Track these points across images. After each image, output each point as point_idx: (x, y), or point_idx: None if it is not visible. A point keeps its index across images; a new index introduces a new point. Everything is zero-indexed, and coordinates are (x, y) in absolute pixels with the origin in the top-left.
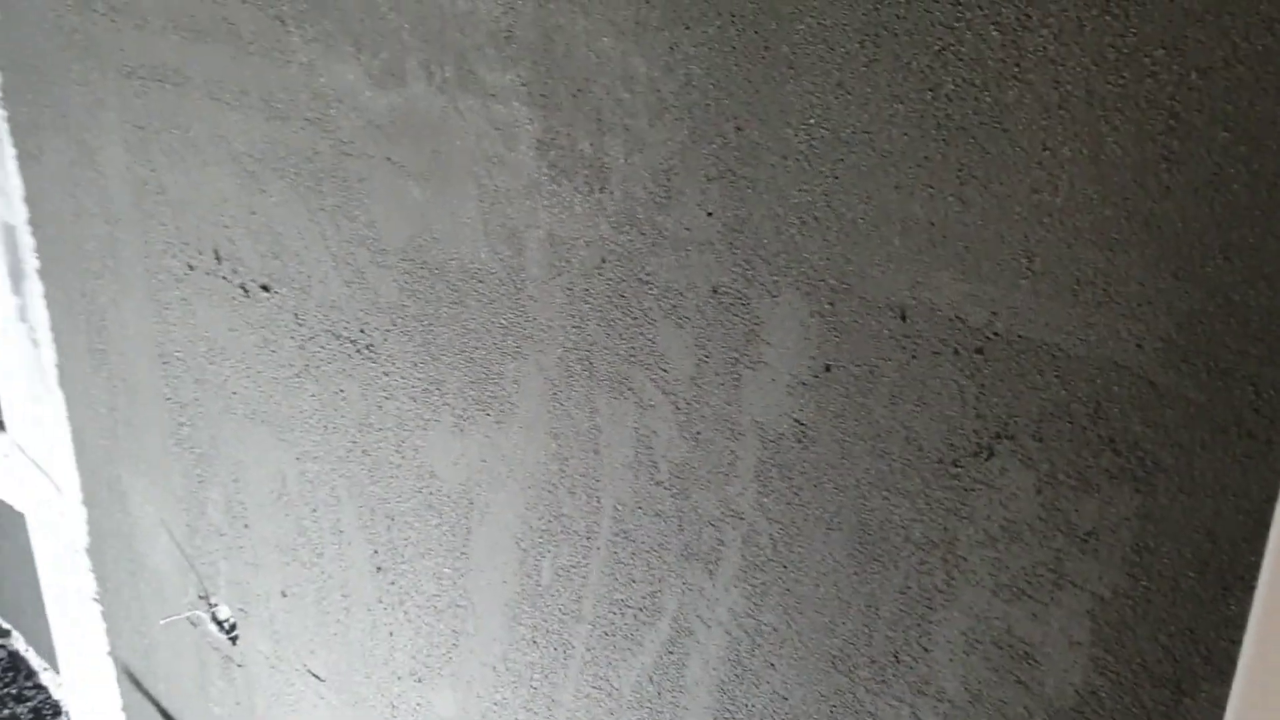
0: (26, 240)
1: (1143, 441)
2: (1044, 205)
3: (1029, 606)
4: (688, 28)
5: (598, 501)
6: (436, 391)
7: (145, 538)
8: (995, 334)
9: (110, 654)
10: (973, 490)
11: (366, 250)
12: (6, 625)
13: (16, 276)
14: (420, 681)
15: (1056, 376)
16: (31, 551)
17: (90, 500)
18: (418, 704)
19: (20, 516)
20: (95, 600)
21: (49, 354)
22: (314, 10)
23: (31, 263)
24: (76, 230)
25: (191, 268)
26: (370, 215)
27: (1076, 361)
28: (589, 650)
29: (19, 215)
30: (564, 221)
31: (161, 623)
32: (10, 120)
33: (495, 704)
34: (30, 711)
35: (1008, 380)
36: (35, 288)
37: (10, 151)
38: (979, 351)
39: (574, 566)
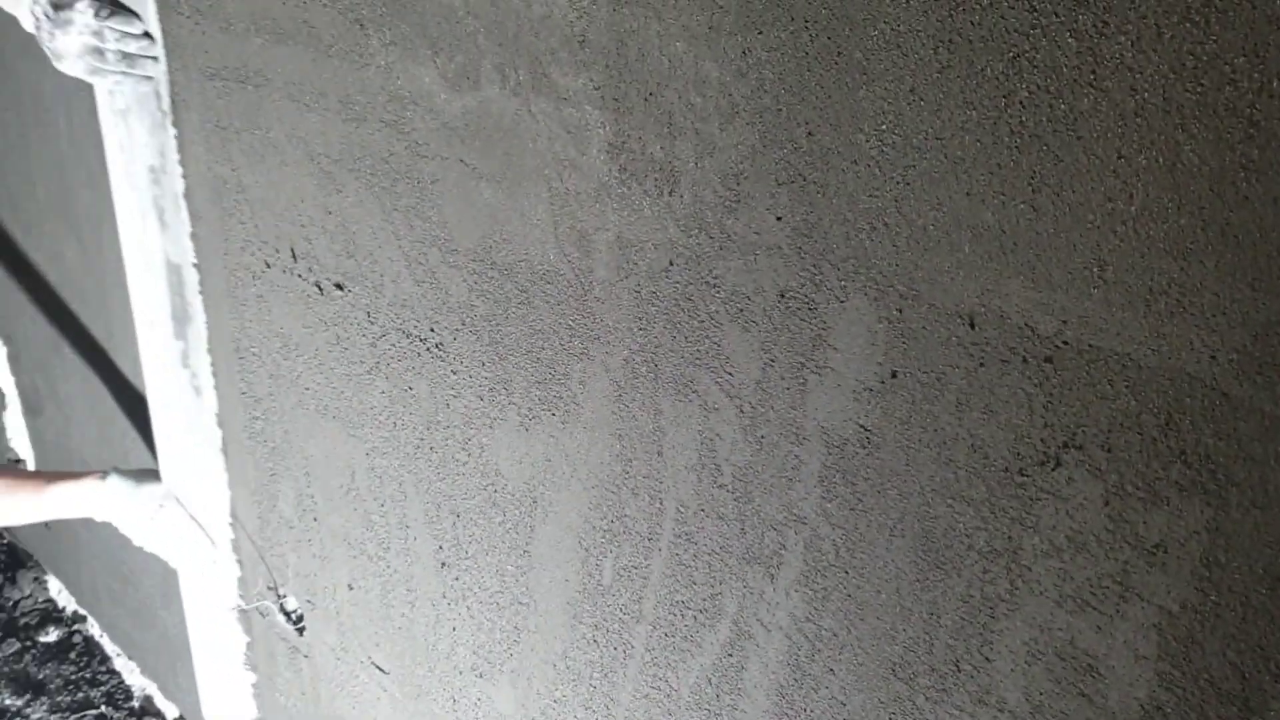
0: (192, 279)
1: (1214, 454)
2: (1118, 214)
3: (1094, 618)
4: (760, 32)
5: (660, 503)
6: (503, 391)
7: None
8: (1065, 343)
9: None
10: (1039, 500)
11: (438, 250)
12: (83, 611)
13: (181, 320)
14: (481, 677)
15: (1127, 387)
16: (113, 542)
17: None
18: (478, 699)
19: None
20: (247, 668)
21: (210, 401)
22: (392, 14)
23: (198, 304)
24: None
25: (268, 265)
26: (442, 216)
27: (1148, 372)
28: (649, 650)
29: (187, 255)
30: (633, 224)
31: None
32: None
33: (554, 701)
34: (104, 696)
35: (1077, 390)
36: (200, 331)
37: (179, 186)
38: (1048, 360)
39: (635, 567)
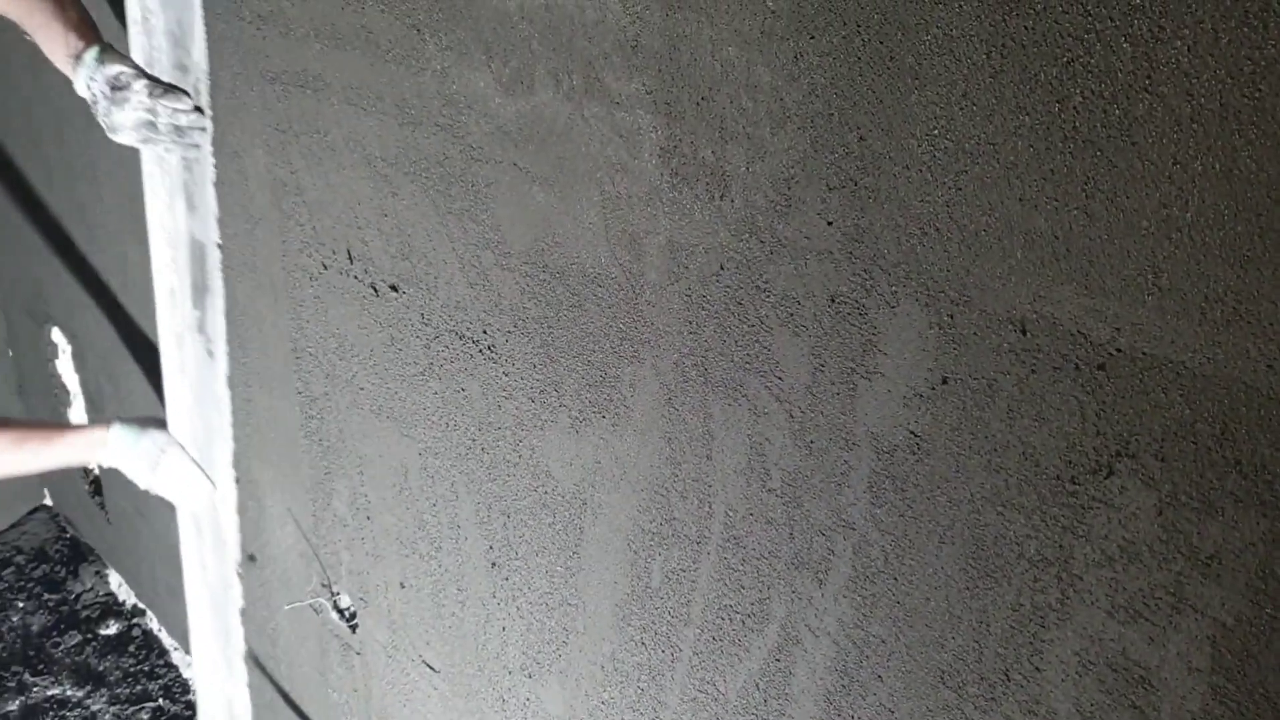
0: (215, 256)
1: (1271, 464)
2: (1173, 220)
3: (1146, 629)
4: (813, 37)
5: (709, 507)
6: (554, 393)
7: (273, 526)
8: (1118, 350)
9: (247, 653)
10: (1091, 508)
11: (491, 253)
12: (142, 605)
13: (200, 291)
14: (530, 677)
15: (1181, 395)
16: (170, 538)
17: (241, 504)
18: (527, 699)
19: (166, 506)
20: (241, 612)
21: (222, 364)
22: (448, 20)
23: (217, 278)
24: (224, 226)
25: (325, 267)
26: (496, 219)
27: (1203, 380)
28: (696, 654)
29: (211, 234)
30: (684, 228)
31: (286, 608)
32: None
33: (602, 703)
34: (161, 689)
35: (1130, 398)
36: (218, 303)
37: (210, 174)
38: (1101, 368)
39: (684, 570)
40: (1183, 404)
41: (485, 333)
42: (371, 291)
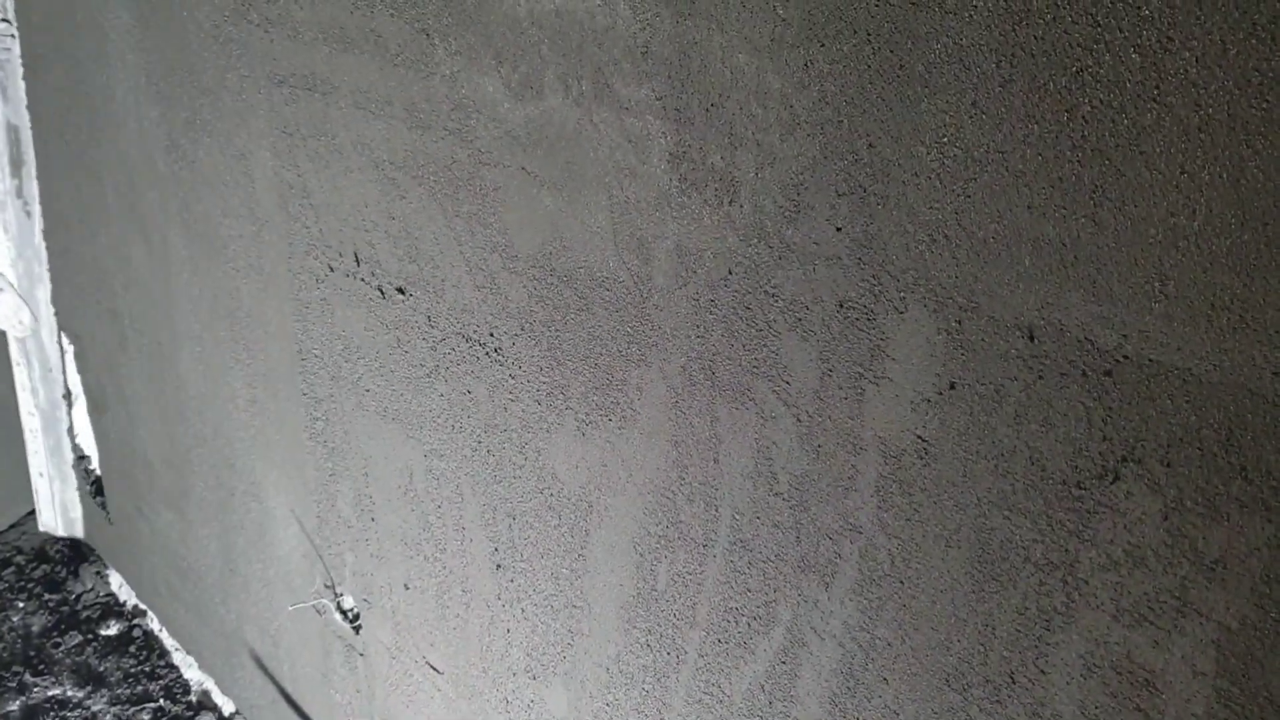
0: (28, 137)
1: (1276, 470)
2: (1180, 229)
3: (1151, 633)
4: (823, 45)
5: (716, 510)
6: (561, 396)
7: (277, 527)
8: (1125, 357)
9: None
10: (1096, 513)
11: (499, 256)
12: (143, 605)
13: (16, 164)
14: (535, 679)
15: (1187, 402)
16: (172, 536)
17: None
18: (531, 700)
19: (173, 502)
20: (68, 430)
21: (38, 222)
22: (458, 24)
23: (30, 152)
24: (223, 229)
25: (332, 269)
26: (504, 223)
27: (1209, 387)
28: (702, 656)
29: (23, 119)
30: (692, 233)
31: (290, 609)
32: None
33: (607, 705)
34: (162, 689)
35: (1136, 404)
36: (31, 171)
37: (19, 71)
38: (1108, 374)
39: (690, 573)
40: (1189, 410)
41: (492, 335)
42: (378, 294)
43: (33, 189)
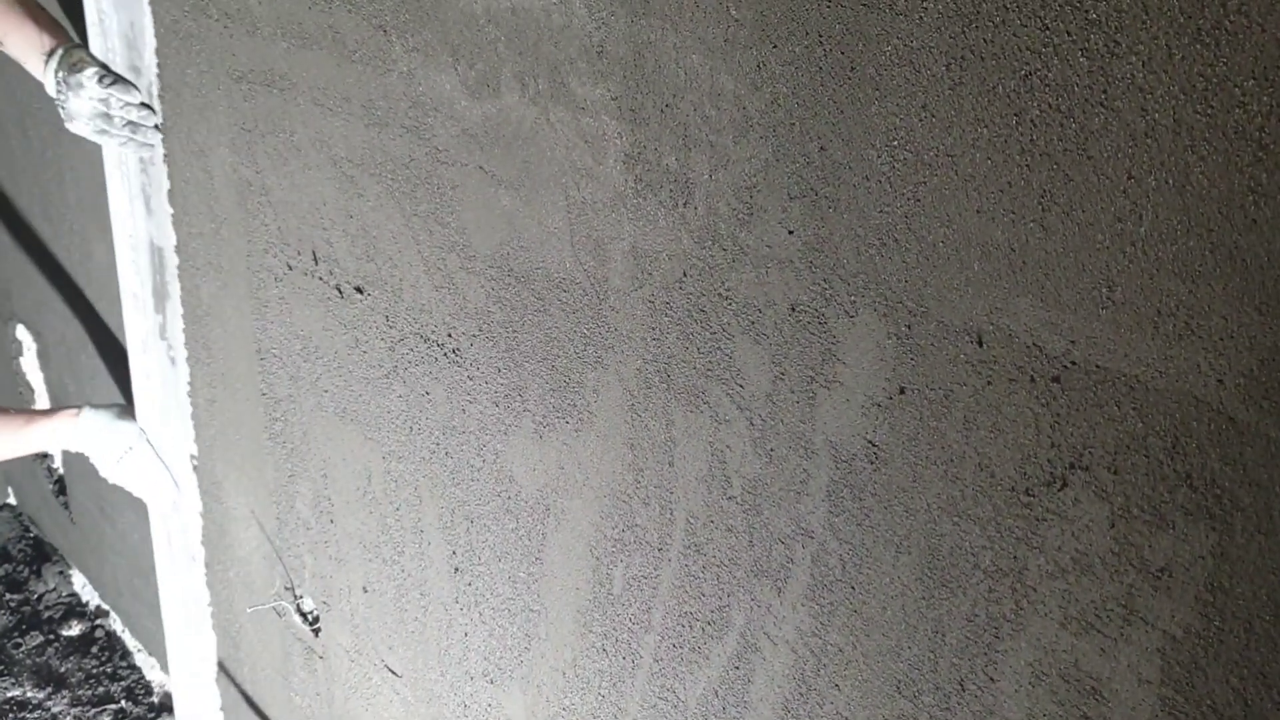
0: (172, 260)
1: (1220, 478)
2: (1127, 234)
3: (1098, 641)
4: (775, 46)
5: (671, 514)
6: (518, 398)
7: (236, 529)
8: (1073, 363)
9: (218, 659)
10: (1044, 520)
11: (456, 256)
12: (105, 606)
13: (160, 296)
14: (492, 683)
15: (1134, 409)
16: (134, 539)
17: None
18: (489, 704)
19: (135, 503)
20: (208, 606)
21: (184, 371)
22: (415, 21)
23: (175, 283)
24: (183, 229)
25: (290, 267)
26: (461, 222)
27: (1155, 394)
28: (657, 661)
29: (168, 239)
30: (647, 234)
31: (249, 610)
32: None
33: (563, 709)
34: (124, 690)
35: (1084, 410)
36: (176, 308)
37: (165, 177)
38: (1056, 380)
39: (645, 577)
40: (1135, 417)
41: (450, 336)
42: (336, 293)
43: (178, 329)
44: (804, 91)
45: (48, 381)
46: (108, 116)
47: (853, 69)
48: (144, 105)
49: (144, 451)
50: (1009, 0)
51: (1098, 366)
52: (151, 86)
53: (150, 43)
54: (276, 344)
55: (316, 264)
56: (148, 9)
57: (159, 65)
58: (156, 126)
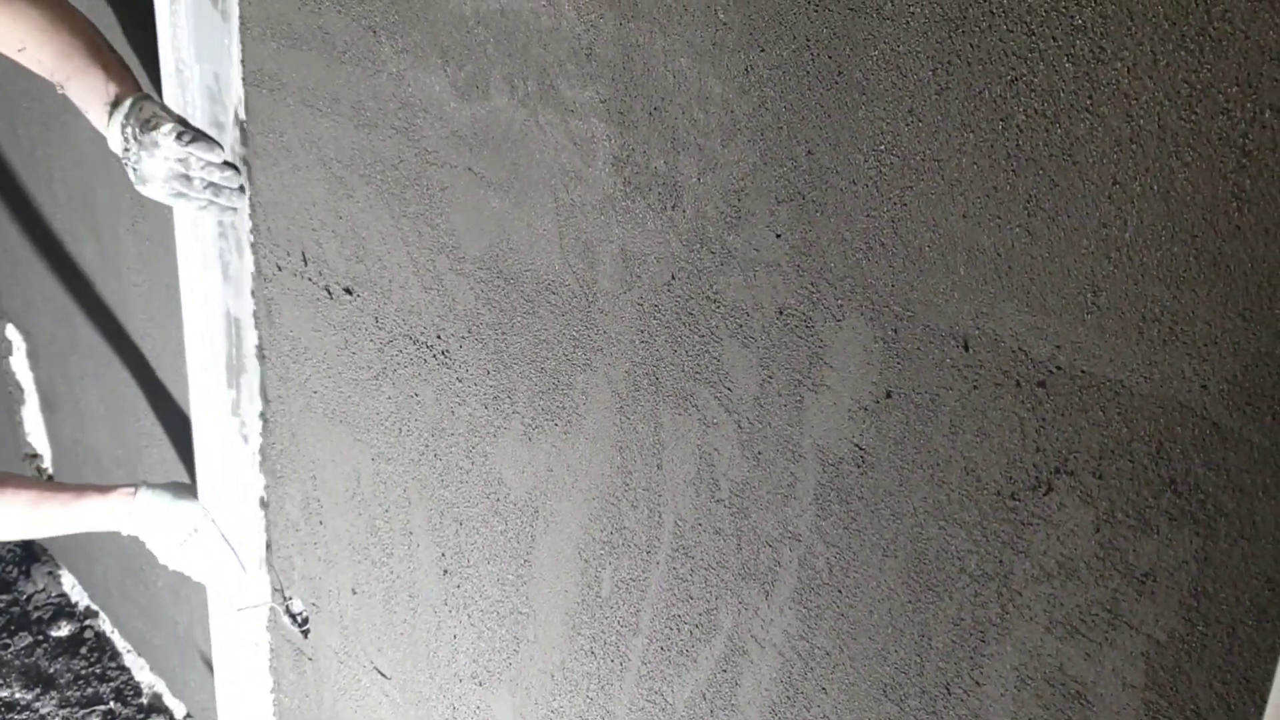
0: (251, 334)
1: (1204, 484)
2: (1112, 240)
3: (1083, 645)
4: (763, 50)
5: (659, 516)
6: (507, 400)
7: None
8: (1058, 368)
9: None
10: (1030, 524)
11: (446, 257)
12: (95, 606)
13: (235, 371)
14: (481, 685)
15: (1119, 414)
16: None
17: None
18: (477, 707)
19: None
20: (271, 693)
21: (255, 446)
22: (405, 22)
23: (252, 357)
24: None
25: (280, 268)
26: (450, 224)
27: (1140, 399)
28: (645, 664)
29: (245, 307)
30: (636, 237)
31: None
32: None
33: (552, 711)
34: (112, 691)
35: (1069, 415)
36: (252, 383)
37: (248, 241)
38: (1041, 385)
39: (634, 580)
40: (1120, 422)
41: (439, 338)
42: (325, 294)
43: (252, 406)
44: (791, 95)
45: (37, 381)
46: (186, 179)
47: (840, 73)
48: (227, 164)
49: (209, 534)
50: (995, 5)
51: (1083, 371)
52: (236, 144)
53: (237, 95)
54: (265, 345)
55: (306, 265)
56: (237, 59)
57: (248, 118)
58: (241, 188)
